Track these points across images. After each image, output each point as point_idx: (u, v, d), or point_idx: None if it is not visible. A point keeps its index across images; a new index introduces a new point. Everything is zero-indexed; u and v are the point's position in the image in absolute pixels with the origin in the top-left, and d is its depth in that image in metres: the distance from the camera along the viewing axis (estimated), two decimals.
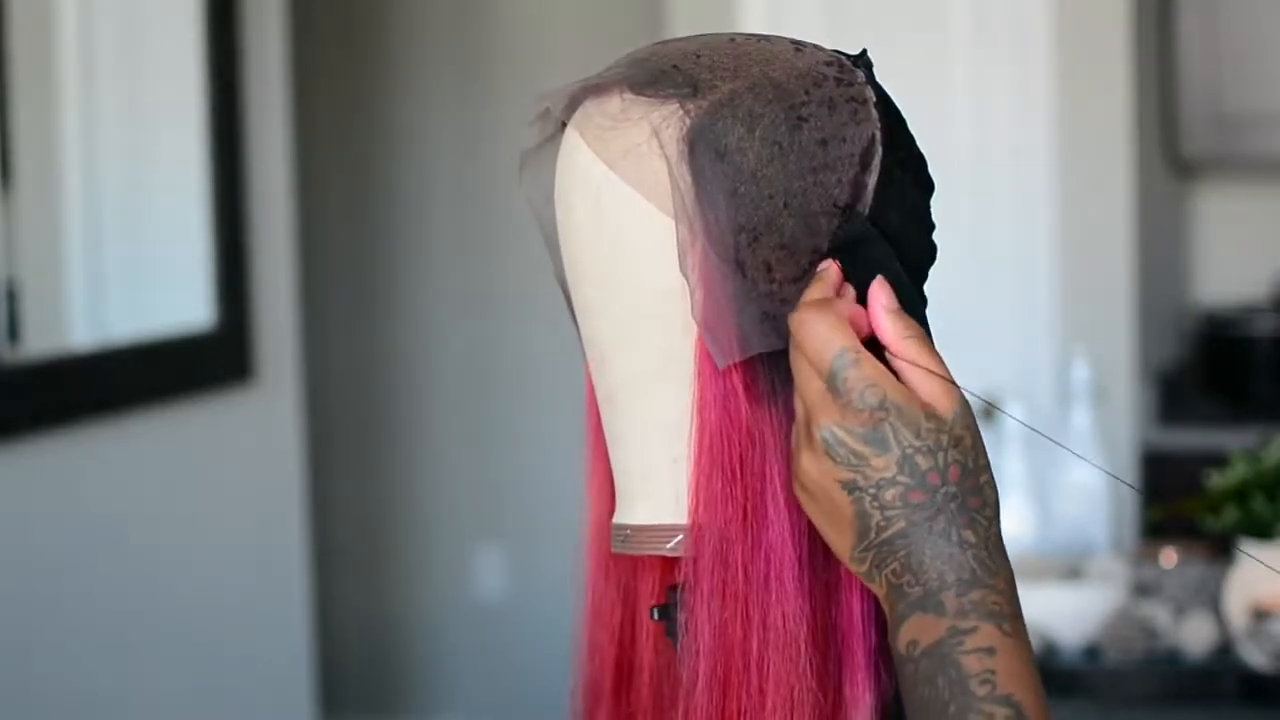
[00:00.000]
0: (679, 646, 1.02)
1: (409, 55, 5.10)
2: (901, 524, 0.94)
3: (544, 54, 4.97)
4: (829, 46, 1.06)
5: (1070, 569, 2.96)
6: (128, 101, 3.32)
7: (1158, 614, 2.79)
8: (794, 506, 0.99)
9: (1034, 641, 2.72)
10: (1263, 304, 4.48)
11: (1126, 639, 2.75)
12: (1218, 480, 2.84)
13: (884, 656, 0.99)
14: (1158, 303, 4.37)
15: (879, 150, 1.01)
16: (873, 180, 1.01)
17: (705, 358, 1.00)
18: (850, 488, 0.94)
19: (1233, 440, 3.42)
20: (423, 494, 5.14)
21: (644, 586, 1.11)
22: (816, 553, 0.99)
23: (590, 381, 1.08)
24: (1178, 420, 4.22)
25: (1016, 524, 3.24)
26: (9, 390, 2.86)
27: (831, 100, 1.01)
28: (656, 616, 1.07)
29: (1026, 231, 4.12)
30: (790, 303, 0.99)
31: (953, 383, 0.97)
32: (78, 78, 3.16)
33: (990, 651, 0.92)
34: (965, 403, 0.96)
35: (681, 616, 1.01)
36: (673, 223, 1.00)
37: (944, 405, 0.95)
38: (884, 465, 0.94)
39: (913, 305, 1.00)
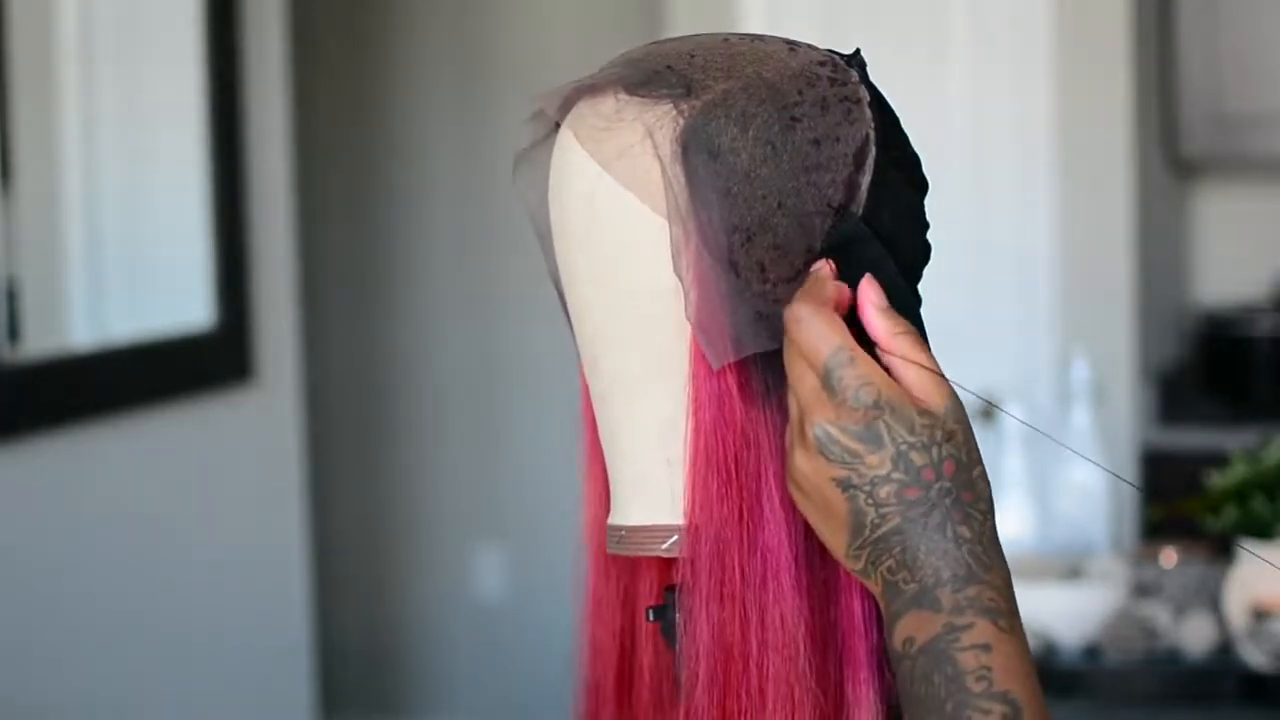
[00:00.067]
0: (677, 648, 1.02)
1: (409, 55, 5.10)
2: (896, 520, 0.94)
3: (544, 54, 4.97)
4: (829, 47, 1.06)
5: (1070, 569, 2.96)
6: (128, 101, 3.32)
7: (1158, 614, 2.79)
8: (789, 506, 0.99)
9: (1034, 642, 2.72)
10: (1263, 304, 4.48)
11: (1126, 639, 2.75)
12: (1218, 480, 2.84)
13: (887, 655, 0.99)
14: (1158, 303, 4.37)
15: (873, 150, 1.01)
16: (866, 180, 1.01)
17: (699, 358, 1.00)
18: (844, 485, 0.95)
19: (1233, 440, 3.42)
20: (423, 494, 5.14)
21: (642, 587, 1.11)
22: (813, 552, 0.99)
23: (585, 381, 1.08)
24: (1178, 420, 4.22)
25: (1016, 524, 3.24)
26: (9, 390, 2.86)
27: (825, 100, 1.01)
28: (652, 618, 1.07)
29: (1026, 231, 4.12)
30: (784, 303, 0.99)
31: (943, 378, 0.97)
32: (78, 78, 3.16)
33: (986, 648, 0.92)
34: (956, 398, 0.96)
35: (679, 618, 1.01)
36: (666, 223, 1.00)
37: (936, 401, 0.96)
38: (878, 462, 0.94)
39: (907, 304, 1.00)
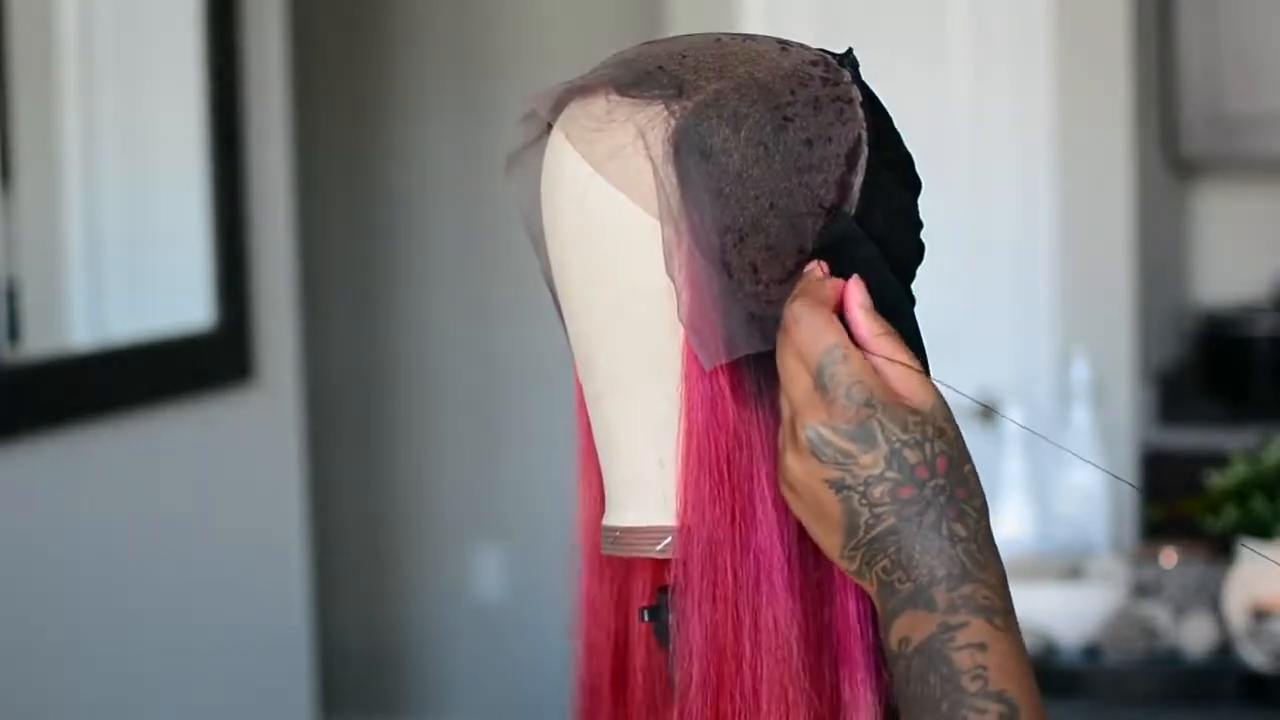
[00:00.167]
0: (670, 648, 1.02)
1: (409, 55, 5.10)
2: (891, 520, 0.94)
3: (544, 54, 4.97)
4: (828, 47, 1.06)
5: (1070, 569, 2.96)
6: (128, 101, 3.32)
7: (1158, 614, 2.79)
8: (782, 508, 0.98)
9: (1034, 641, 2.72)
10: (1263, 304, 4.48)
11: (1126, 639, 2.75)
12: (1218, 480, 2.84)
13: (882, 656, 0.99)
14: (1158, 303, 4.37)
15: (865, 150, 1.01)
16: (859, 180, 1.01)
17: (692, 359, 1.00)
18: (838, 486, 0.94)
19: (1233, 440, 3.42)
20: (423, 494, 5.14)
21: (636, 588, 1.11)
22: (806, 553, 0.99)
23: (579, 382, 1.08)
24: (1178, 420, 4.22)
25: (1016, 524, 3.24)
26: (9, 390, 2.86)
27: (817, 100, 1.01)
28: (646, 618, 1.07)
29: (1026, 231, 4.12)
30: (776, 303, 0.99)
31: (927, 375, 0.97)
32: (78, 78, 3.16)
33: (982, 647, 0.92)
34: (941, 396, 0.96)
35: (672, 619, 1.00)
36: (658, 224, 1.00)
37: (922, 398, 0.95)
38: (872, 462, 0.94)
39: (900, 305, 1.00)
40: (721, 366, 0.99)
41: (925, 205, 1.05)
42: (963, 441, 0.96)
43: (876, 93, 1.04)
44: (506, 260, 4.97)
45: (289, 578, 3.62)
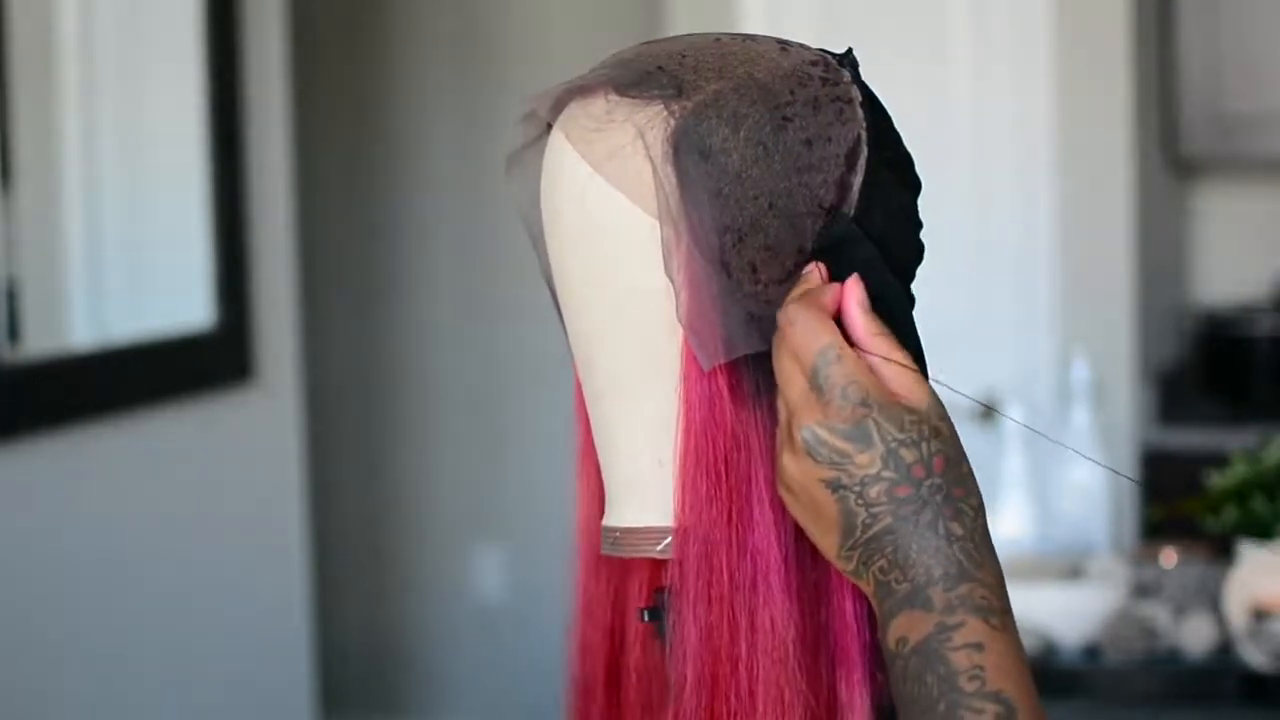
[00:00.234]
0: (666, 649, 1.01)
1: (409, 55, 5.10)
2: (888, 520, 0.94)
3: (544, 54, 4.97)
4: (828, 47, 1.06)
5: (1070, 569, 2.96)
6: (128, 101, 3.32)
7: (1158, 614, 2.79)
8: (780, 509, 0.98)
9: (1034, 641, 2.72)
10: (1263, 304, 4.48)
11: (1126, 639, 2.75)
12: (1218, 480, 2.84)
13: (879, 655, 0.99)
14: (1158, 303, 4.37)
15: (865, 150, 1.01)
16: (858, 180, 1.00)
17: (690, 359, 1.00)
18: (834, 486, 0.94)
19: (1233, 440, 3.42)
20: (423, 494, 5.14)
21: (633, 587, 1.11)
22: (804, 554, 0.99)
23: (579, 380, 1.08)
24: (1178, 420, 4.22)
25: (1016, 524, 3.24)
26: (9, 390, 2.86)
27: (816, 100, 1.01)
28: (646, 618, 1.07)
29: (1026, 231, 4.12)
30: (775, 304, 0.98)
31: (925, 375, 0.97)
32: (78, 78, 3.16)
33: (979, 647, 0.92)
34: (936, 395, 0.96)
35: (669, 619, 1.00)
36: (657, 224, 0.99)
37: (918, 397, 0.96)
38: (868, 462, 0.94)
39: (900, 305, 1.00)
40: (720, 367, 0.99)
41: (925, 205, 1.05)
42: (958, 440, 0.96)
43: (876, 93, 1.04)
44: (506, 260, 4.97)
45: (289, 578, 3.62)
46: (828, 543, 0.96)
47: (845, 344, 0.96)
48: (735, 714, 0.98)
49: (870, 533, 0.94)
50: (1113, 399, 3.96)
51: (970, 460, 0.97)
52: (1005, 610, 0.94)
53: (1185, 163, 4.55)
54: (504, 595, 5.08)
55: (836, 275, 0.99)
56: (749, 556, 0.98)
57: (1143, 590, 2.87)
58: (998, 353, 4.08)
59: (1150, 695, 2.74)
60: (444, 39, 5.07)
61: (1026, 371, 4.08)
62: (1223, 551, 2.91)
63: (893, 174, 1.02)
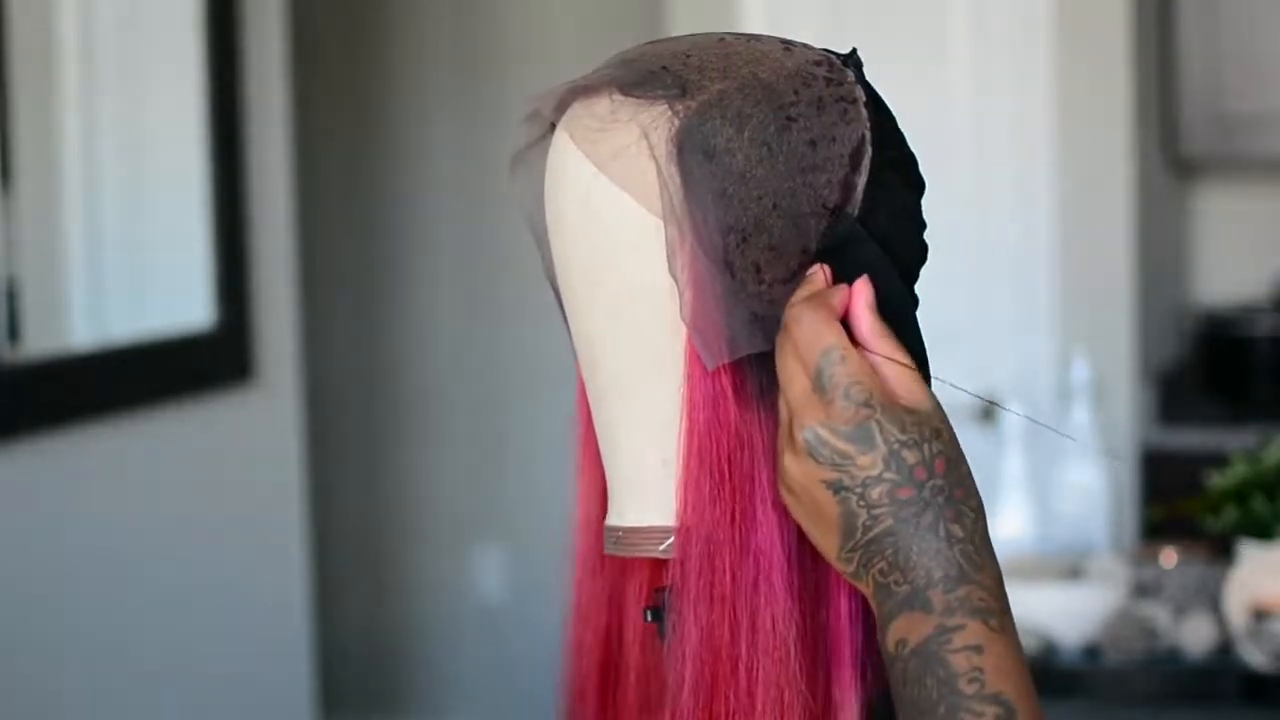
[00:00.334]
0: (665, 649, 1.01)
1: (409, 55, 5.10)
2: (889, 522, 0.94)
3: (544, 54, 4.97)
4: (828, 47, 1.06)
5: (1070, 569, 2.96)
6: (128, 101, 3.32)
7: (1158, 614, 2.79)
8: (782, 509, 0.98)
9: (1034, 642, 2.72)
10: (1263, 304, 4.48)
11: (1126, 639, 2.75)
12: (1218, 480, 2.84)
13: (870, 656, 0.99)
14: (1158, 303, 4.37)
15: (869, 150, 1.01)
16: (862, 181, 1.00)
17: (694, 359, 0.99)
18: (835, 488, 0.94)
19: (1233, 440, 3.42)
20: (423, 494, 5.14)
21: (631, 587, 1.10)
22: (805, 554, 0.99)
23: (582, 379, 1.07)
24: (1178, 420, 4.22)
25: (1016, 524, 3.24)
26: (9, 390, 2.86)
27: (821, 100, 1.01)
28: (650, 618, 1.07)
29: (1026, 231, 4.12)
30: (779, 304, 0.98)
31: (929, 376, 0.97)
32: (78, 78, 3.16)
33: (978, 649, 0.92)
34: (936, 398, 0.96)
35: (669, 619, 1.00)
36: (662, 223, 0.99)
37: (919, 398, 0.95)
38: (870, 463, 0.94)
39: (904, 305, 1.00)
40: (724, 366, 0.99)
41: (925, 205, 1.05)
42: (958, 442, 0.96)
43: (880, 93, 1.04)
44: (508, 260, 4.97)
45: (289, 578, 3.62)
46: (828, 544, 0.96)
47: (850, 345, 0.95)
48: (734, 714, 0.97)
49: (871, 534, 0.94)
50: (1112, 399, 3.96)
51: (970, 461, 0.97)
52: (1005, 612, 0.94)
53: (1185, 163, 4.55)
54: (504, 595, 5.08)
55: (840, 276, 0.99)
56: (751, 556, 0.98)
57: (1143, 590, 2.87)
58: (998, 353, 4.08)
59: (1150, 695, 2.74)
60: (444, 39, 5.07)
61: (1026, 371, 4.08)
62: (1223, 551, 2.91)
63: (897, 174, 1.02)
